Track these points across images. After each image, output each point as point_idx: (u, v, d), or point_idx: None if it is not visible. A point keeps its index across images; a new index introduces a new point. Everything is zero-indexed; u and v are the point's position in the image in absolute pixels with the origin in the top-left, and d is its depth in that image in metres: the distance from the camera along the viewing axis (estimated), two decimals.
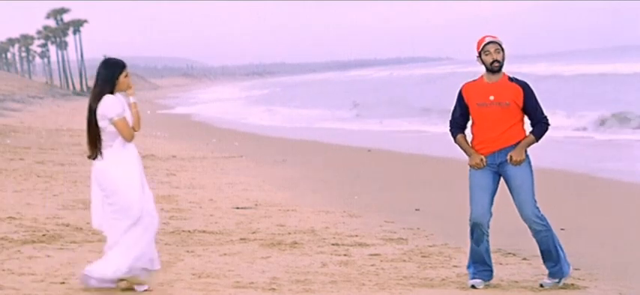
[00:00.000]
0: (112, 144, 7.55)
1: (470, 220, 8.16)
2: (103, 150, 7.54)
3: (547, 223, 8.14)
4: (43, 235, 10.25)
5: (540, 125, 8.16)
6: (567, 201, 13.54)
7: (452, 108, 8.34)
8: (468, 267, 8.30)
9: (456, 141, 8.31)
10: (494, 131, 8.06)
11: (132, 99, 7.66)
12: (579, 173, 17.59)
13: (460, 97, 8.23)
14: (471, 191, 8.15)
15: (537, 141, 8.15)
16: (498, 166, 8.10)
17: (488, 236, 8.17)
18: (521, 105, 8.10)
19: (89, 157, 7.63)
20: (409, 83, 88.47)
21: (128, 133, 7.57)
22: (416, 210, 13.30)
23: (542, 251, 8.23)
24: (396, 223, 11.95)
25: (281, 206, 13.38)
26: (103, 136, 7.53)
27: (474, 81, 8.28)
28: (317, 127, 38.54)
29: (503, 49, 8.14)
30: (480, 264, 8.22)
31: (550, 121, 8.27)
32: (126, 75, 7.62)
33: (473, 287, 8.16)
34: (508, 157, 8.05)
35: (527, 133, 8.15)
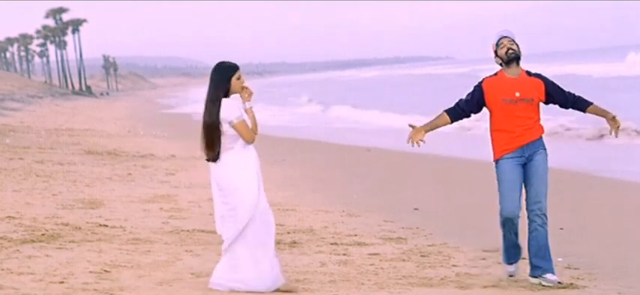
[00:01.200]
0: (233, 145, 7.59)
1: (501, 215, 8.22)
2: (224, 153, 7.58)
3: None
4: (42, 234, 10.24)
5: (579, 98, 8.30)
6: (567, 201, 13.52)
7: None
8: (504, 260, 8.47)
9: (439, 114, 8.36)
10: (522, 125, 8.13)
11: (248, 105, 7.71)
12: (579, 173, 17.57)
13: (479, 92, 8.24)
14: (501, 186, 8.17)
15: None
16: (527, 158, 8.13)
17: (518, 226, 8.28)
18: (543, 99, 8.22)
19: (207, 160, 7.68)
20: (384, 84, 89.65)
21: (249, 135, 7.63)
22: (415, 209, 13.29)
23: (539, 248, 8.18)
24: (395, 222, 11.94)
25: (280, 205, 13.35)
26: (224, 139, 7.57)
27: (494, 76, 8.29)
28: (317, 127, 38.51)
29: (515, 42, 8.26)
30: (513, 248, 8.37)
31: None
32: (238, 77, 7.65)
33: (510, 276, 8.41)
34: (616, 125, 8.18)
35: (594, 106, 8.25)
